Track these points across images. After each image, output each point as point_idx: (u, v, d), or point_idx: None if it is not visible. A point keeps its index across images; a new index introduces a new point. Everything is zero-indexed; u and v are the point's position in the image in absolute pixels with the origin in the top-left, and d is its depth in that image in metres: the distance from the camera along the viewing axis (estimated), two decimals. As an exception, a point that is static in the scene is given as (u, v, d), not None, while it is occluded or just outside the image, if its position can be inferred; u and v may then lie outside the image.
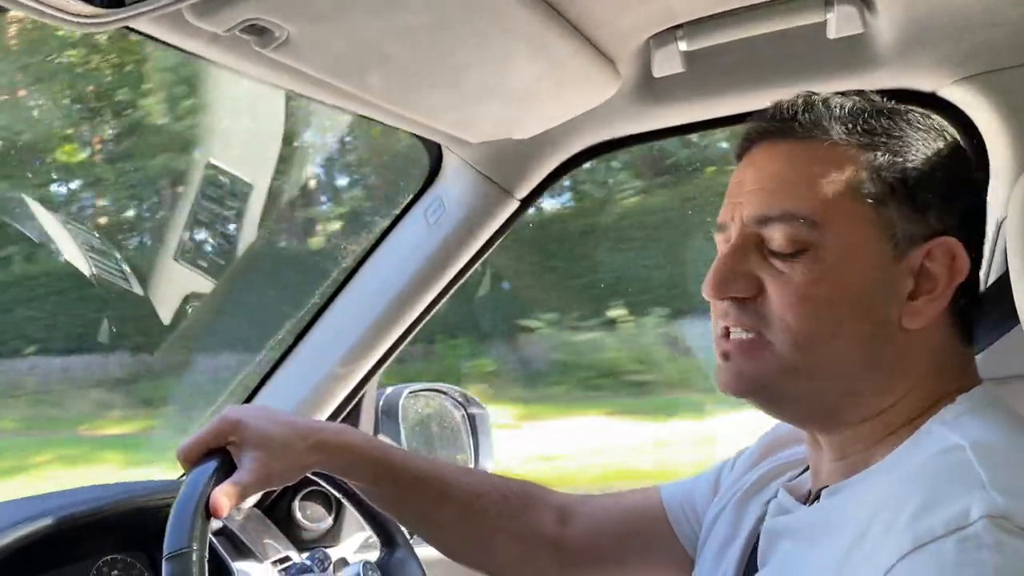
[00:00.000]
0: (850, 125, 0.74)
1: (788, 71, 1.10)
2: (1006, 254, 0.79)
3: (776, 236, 0.73)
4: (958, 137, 0.81)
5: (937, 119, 0.78)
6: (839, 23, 0.96)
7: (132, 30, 0.71)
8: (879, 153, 0.73)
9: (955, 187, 0.75)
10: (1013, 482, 0.61)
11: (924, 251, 0.73)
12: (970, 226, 0.76)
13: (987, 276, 1.16)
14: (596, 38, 0.97)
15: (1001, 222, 1.13)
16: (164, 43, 0.77)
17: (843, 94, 0.78)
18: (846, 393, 0.74)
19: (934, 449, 0.67)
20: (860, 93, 0.79)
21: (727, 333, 0.76)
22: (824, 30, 0.98)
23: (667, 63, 1.02)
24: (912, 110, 0.78)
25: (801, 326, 0.72)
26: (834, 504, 0.73)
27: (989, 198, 1.15)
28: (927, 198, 0.73)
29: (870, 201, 0.72)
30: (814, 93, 0.78)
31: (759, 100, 1.15)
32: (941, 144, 0.76)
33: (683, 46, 1.00)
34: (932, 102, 1.13)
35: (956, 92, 1.10)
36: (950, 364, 0.75)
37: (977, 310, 0.77)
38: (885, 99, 0.78)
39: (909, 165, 0.73)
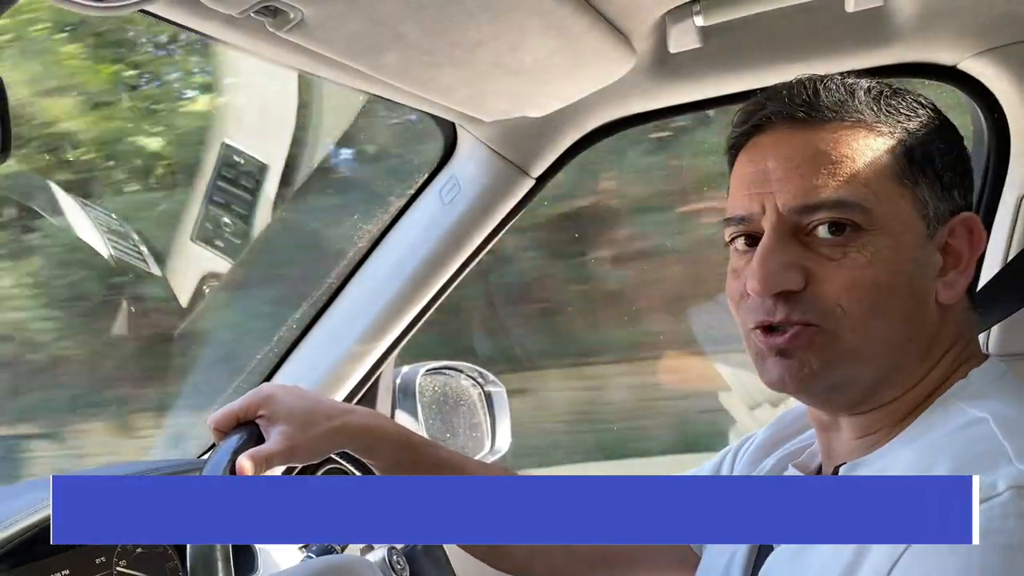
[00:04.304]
0: (876, 107, 0.74)
1: (806, 46, 1.09)
2: None
3: (823, 223, 0.72)
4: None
5: (927, 97, 0.79)
6: (858, -4, 0.95)
7: (148, 13, 0.71)
8: (906, 134, 0.74)
9: (967, 163, 0.78)
10: None
11: (948, 228, 0.75)
12: (973, 200, 0.79)
13: (1007, 253, 1.14)
14: (611, 13, 0.96)
15: (1021, 198, 1.12)
16: (180, 25, 0.77)
17: (847, 74, 0.78)
18: (889, 371, 0.74)
19: (956, 422, 0.68)
20: (863, 74, 0.79)
21: (771, 328, 0.73)
22: (842, 3, 0.96)
23: (683, 38, 1.01)
24: (911, 91, 0.79)
25: (856, 310, 0.71)
26: None
27: (1009, 172, 1.14)
28: (951, 176, 0.75)
29: (907, 182, 0.73)
30: (825, 76, 0.77)
31: (776, 76, 1.14)
32: (944, 122, 0.78)
33: (699, 21, 0.99)
34: (952, 75, 1.12)
35: (976, 65, 1.09)
36: (967, 338, 0.77)
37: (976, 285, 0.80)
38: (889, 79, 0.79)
39: (932, 145, 0.75)
